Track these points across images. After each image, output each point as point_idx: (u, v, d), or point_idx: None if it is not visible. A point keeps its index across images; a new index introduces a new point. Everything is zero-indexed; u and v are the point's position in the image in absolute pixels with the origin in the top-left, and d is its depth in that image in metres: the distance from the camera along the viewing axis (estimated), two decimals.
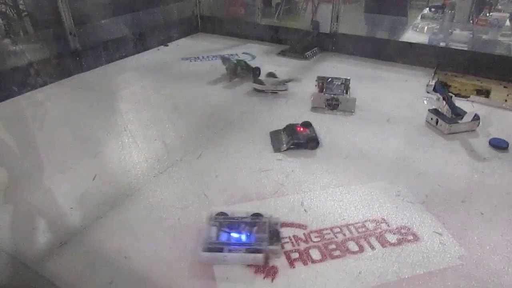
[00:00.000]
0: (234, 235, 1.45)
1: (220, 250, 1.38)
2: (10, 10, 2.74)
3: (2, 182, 1.84)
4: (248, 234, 1.45)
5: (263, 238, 1.43)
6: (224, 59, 3.18)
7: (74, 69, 3.13)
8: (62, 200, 1.72)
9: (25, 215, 1.63)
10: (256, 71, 3.03)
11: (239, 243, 1.42)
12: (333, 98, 2.50)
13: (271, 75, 2.95)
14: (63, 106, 2.66)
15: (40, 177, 1.89)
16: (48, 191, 1.77)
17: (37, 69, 2.83)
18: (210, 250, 1.38)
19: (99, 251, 1.43)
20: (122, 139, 2.20)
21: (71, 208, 1.66)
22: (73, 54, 3.10)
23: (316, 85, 2.69)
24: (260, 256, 1.37)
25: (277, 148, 2.10)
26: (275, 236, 1.46)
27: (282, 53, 3.72)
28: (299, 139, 2.10)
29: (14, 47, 2.70)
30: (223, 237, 1.44)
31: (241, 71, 3.05)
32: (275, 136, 2.21)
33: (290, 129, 2.19)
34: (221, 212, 1.56)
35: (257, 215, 1.54)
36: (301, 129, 2.19)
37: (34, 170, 1.95)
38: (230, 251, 1.39)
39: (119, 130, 2.30)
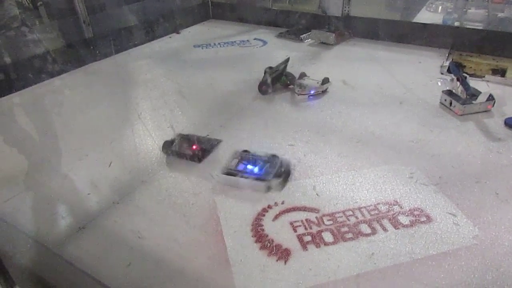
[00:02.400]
0: (249, 166, 1.75)
1: (235, 175, 1.70)
2: (26, 0, 2.79)
3: (22, 168, 1.90)
4: (261, 168, 1.74)
5: (270, 172, 1.71)
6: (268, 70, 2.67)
7: (88, 57, 3.17)
8: (80, 186, 1.77)
9: (45, 201, 1.69)
10: (289, 76, 2.66)
11: (251, 172, 1.72)
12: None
13: (303, 75, 2.67)
14: (79, 94, 2.71)
15: (58, 164, 1.94)
16: (67, 177, 1.82)
17: (52, 58, 2.88)
18: (227, 173, 1.72)
19: (116, 235, 1.48)
20: (137, 126, 2.24)
21: (89, 194, 1.71)
22: (87, 43, 3.14)
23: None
24: (262, 184, 1.66)
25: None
26: (283, 174, 1.74)
27: (281, 35, 3.75)
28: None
29: (30, 37, 2.75)
30: (240, 167, 1.75)
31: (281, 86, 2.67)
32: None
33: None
34: (245, 150, 1.87)
35: (273, 156, 1.81)
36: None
37: (52, 157, 2.00)
38: (242, 177, 1.69)
39: (133, 117, 2.33)
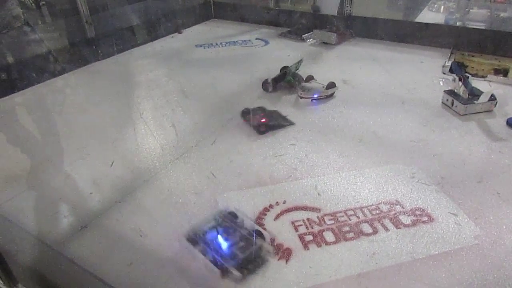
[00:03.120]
0: (219, 239, 1.40)
1: (195, 244, 1.38)
2: (29, 0, 2.80)
3: (25, 167, 1.91)
4: (231, 245, 1.37)
5: (237, 256, 1.33)
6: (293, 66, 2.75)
7: (91, 57, 3.18)
8: (82, 185, 1.78)
9: (48, 200, 1.69)
10: (296, 77, 2.65)
11: (215, 248, 1.36)
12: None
13: (310, 78, 2.64)
14: (81, 94, 2.72)
15: (60, 163, 1.95)
16: (69, 177, 1.83)
17: (55, 57, 2.89)
18: (188, 239, 1.40)
19: (118, 234, 1.48)
20: (138, 126, 2.24)
21: (91, 193, 1.72)
22: (89, 42, 3.15)
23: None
24: (216, 271, 1.29)
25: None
26: (250, 263, 1.33)
27: (283, 35, 3.76)
28: None
29: (32, 36, 2.76)
30: (210, 235, 1.41)
31: (287, 85, 2.65)
32: None
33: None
34: (232, 212, 1.52)
35: (259, 234, 1.42)
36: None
37: (55, 156, 2.01)
38: (201, 251, 1.36)
39: (135, 117, 2.34)
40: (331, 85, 2.50)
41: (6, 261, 1.35)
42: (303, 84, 2.57)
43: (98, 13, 3.20)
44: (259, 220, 1.53)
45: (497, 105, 2.24)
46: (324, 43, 3.49)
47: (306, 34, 3.62)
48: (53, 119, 2.40)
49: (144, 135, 2.16)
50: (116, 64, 3.23)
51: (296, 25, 3.91)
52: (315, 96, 2.48)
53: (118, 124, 2.29)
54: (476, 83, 2.37)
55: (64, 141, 2.14)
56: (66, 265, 1.35)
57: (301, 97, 2.49)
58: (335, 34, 3.42)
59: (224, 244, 1.38)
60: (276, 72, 2.71)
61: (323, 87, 2.50)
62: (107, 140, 2.11)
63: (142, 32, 3.63)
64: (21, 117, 2.45)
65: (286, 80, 2.62)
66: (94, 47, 3.18)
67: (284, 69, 2.68)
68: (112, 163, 1.91)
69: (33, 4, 2.81)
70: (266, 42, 3.62)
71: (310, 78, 2.63)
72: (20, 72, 2.72)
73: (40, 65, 2.84)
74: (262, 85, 2.60)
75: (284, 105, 2.42)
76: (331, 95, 2.51)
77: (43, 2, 2.86)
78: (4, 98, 2.63)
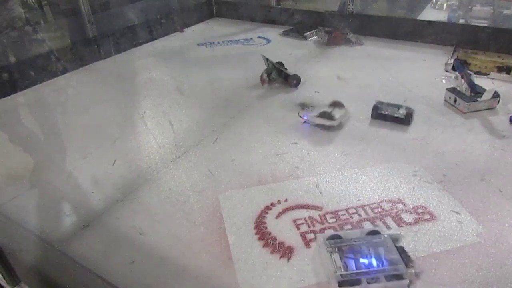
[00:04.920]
0: (363, 260, 1.24)
1: (358, 282, 1.19)
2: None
3: (27, 167, 1.91)
4: (376, 257, 1.25)
5: (396, 260, 1.23)
6: (266, 59, 2.72)
7: (92, 56, 3.19)
8: (84, 184, 1.78)
9: (50, 199, 1.70)
10: (293, 79, 2.61)
11: (374, 270, 1.21)
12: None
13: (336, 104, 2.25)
14: (83, 93, 2.73)
15: (62, 162, 1.96)
16: (71, 176, 1.84)
17: (56, 57, 2.90)
18: (346, 284, 1.19)
19: (120, 233, 1.49)
20: (140, 125, 2.25)
21: (93, 192, 1.72)
22: (91, 41, 3.16)
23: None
24: (405, 283, 1.19)
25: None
26: (405, 256, 1.25)
27: (284, 33, 3.75)
28: None
29: (34, 36, 2.76)
30: (352, 265, 1.24)
31: (275, 77, 2.65)
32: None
33: None
34: (334, 235, 1.36)
35: (374, 233, 1.35)
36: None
37: (57, 156, 2.02)
38: (368, 281, 1.19)
39: (137, 116, 2.34)
40: (337, 104, 2.19)
41: (9, 260, 1.35)
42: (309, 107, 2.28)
43: (99, 12, 3.20)
44: (260, 218, 1.53)
45: (500, 102, 2.23)
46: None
47: (308, 32, 3.62)
48: (55, 119, 2.41)
49: (145, 134, 2.16)
50: (118, 63, 3.23)
51: (299, 23, 3.89)
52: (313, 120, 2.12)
53: (120, 123, 2.30)
54: (479, 80, 2.36)
55: (66, 140, 2.15)
56: (68, 264, 1.35)
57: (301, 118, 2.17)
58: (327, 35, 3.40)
59: (373, 261, 1.24)
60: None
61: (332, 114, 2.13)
62: (109, 139, 2.12)
63: (144, 31, 3.63)
64: (23, 117, 2.46)
65: (272, 77, 2.63)
66: (95, 46, 3.18)
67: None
68: (114, 162, 1.91)
69: (35, 4, 2.81)
70: (268, 41, 3.61)
71: (335, 104, 2.22)
72: (21, 72, 2.73)
73: (42, 64, 2.85)
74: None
75: (284, 102, 2.42)
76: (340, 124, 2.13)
77: (45, 2, 2.87)
78: (6, 98, 2.63)
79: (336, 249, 1.29)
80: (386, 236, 1.33)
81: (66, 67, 2.97)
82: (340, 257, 1.26)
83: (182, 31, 3.99)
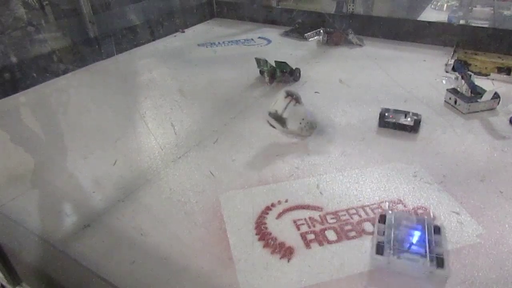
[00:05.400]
0: (414, 238, 1.34)
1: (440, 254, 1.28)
2: (32, 0, 2.81)
3: (28, 167, 1.92)
4: (411, 229, 1.37)
5: (417, 217, 1.42)
6: (259, 61, 2.73)
7: (94, 56, 3.19)
8: (85, 184, 1.79)
9: (51, 199, 1.70)
10: (296, 72, 2.70)
11: (424, 235, 1.33)
12: None
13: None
14: (84, 93, 2.73)
15: (63, 162, 1.96)
16: (72, 176, 1.84)
17: (58, 57, 2.91)
18: (438, 261, 1.26)
19: (121, 233, 1.49)
20: (141, 125, 2.25)
21: (94, 192, 1.72)
22: (92, 42, 3.16)
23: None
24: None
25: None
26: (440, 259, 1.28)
27: (285, 34, 3.75)
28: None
29: (36, 36, 2.77)
30: (420, 250, 1.31)
31: (280, 74, 2.67)
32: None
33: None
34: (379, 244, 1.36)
35: (383, 217, 1.43)
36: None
37: (58, 156, 2.02)
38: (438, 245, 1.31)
39: (138, 116, 2.35)
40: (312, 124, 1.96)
41: (10, 260, 1.36)
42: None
43: (101, 12, 3.21)
44: (261, 219, 1.53)
45: (500, 103, 2.23)
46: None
47: (308, 33, 3.62)
48: (56, 119, 2.41)
49: (146, 134, 2.16)
50: (119, 64, 3.24)
51: (300, 24, 3.89)
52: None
53: (121, 124, 2.30)
54: (479, 81, 2.36)
55: (67, 140, 2.16)
56: (69, 264, 1.35)
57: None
58: (326, 35, 3.42)
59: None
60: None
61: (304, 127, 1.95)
62: (109, 139, 2.12)
63: (145, 31, 3.63)
64: (24, 117, 2.46)
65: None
66: (97, 46, 3.19)
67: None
68: (115, 162, 1.91)
69: (36, 4, 2.82)
70: (269, 41, 3.62)
71: (291, 95, 1.95)
72: (23, 72, 2.73)
73: (43, 64, 2.85)
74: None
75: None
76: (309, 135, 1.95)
77: (47, 2, 2.87)
78: (7, 97, 2.64)
79: (396, 251, 1.31)
80: (389, 212, 1.45)
81: (67, 67, 2.98)
82: (409, 253, 1.30)
83: (183, 32, 4.00)
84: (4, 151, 2.09)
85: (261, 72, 2.75)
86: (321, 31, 3.55)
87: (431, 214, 1.45)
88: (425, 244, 1.31)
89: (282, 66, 2.66)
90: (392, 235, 1.36)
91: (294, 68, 2.69)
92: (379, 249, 1.32)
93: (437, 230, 1.37)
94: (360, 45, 3.36)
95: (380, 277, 1.28)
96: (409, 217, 1.43)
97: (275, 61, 2.69)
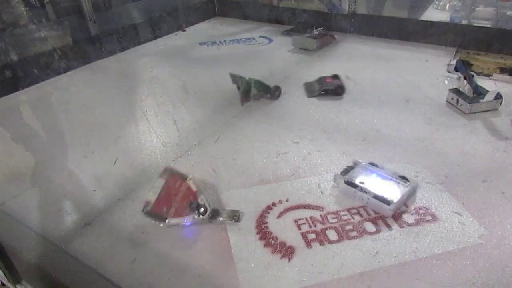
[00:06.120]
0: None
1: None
2: None
3: (29, 165, 1.92)
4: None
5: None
6: (234, 77, 2.51)
7: (94, 55, 3.19)
8: (85, 183, 1.78)
9: (52, 197, 1.70)
10: (275, 91, 2.47)
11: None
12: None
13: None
14: (85, 92, 2.73)
15: (64, 160, 1.96)
16: (73, 174, 1.84)
17: (59, 55, 2.90)
18: (347, 183, 1.61)
19: (122, 231, 1.49)
20: (142, 124, 2.25)
21: (94, 190, 1.72)
22: (93, 40, 3.16)
23: None
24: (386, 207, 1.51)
25: (310, 94, 2.47)
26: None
27: (286, 33, 3.73)
28: (328, 86, 2.45)
29: (37, 34, 2.77)
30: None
31: (257, 93, 2.44)
32: (308, 86, 2.56)
33: (321, 80, 2.53)
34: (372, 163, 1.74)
35: (403, 178, 1.65)
36: (330, 80, 2.53)
37: (59, 154, 2.02)
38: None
39: (139, 115, 2.34)
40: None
41: (10, 258, 1.36)
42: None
43: (101, 11, 3.21)
44: (262, 218, 1.53)
45: (502, 103, 2.22)
46: (303, 49, 3.25)
47: (309, 32, 3.61)
48: (57, 117, 2.41)
49: (147, 132, 2.16)
50: (120, 62, 3.23)
51: (301, 23, 3.88)
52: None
53: (122, 122, 2.30)
54: (481, 81, 2.36)
55: (68, 138, 2.15)
56: (69, 262, 1.35)
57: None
58: (315, 40, 3.23)
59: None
60: (278, 70, 2.70)
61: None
62: (110, 138, 2.12)
63: (146, 30, 3.63)
64: (25, 115, 2.46)
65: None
66: (98, 44, 3.19)
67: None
68: (116, 160, 1.91)
69: (37, 2, 2.82)
70: (270, 40, 3.61)
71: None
72: (24, 70, 2.73)
73: (44, 63, 2.85)
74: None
75: (286, 102, 2.42)
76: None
77: (48, 0, 2.87)
78: (8, 95, 2.64)
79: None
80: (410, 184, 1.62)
81: (68, 65, 2.98)
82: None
83: (184, 30, 3.99)
84: (5, 149, 2.09)
85: (238, 88, 2.49)
86: (310, 36, 3.34)
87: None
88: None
89: (258, 84, 2.41)
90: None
91: (272, 86, 2.46)
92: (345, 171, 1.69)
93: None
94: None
95: (380, 277, 1.27)
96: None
97: (252, 79, 2.41)
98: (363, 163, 1.73)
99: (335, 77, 2.56)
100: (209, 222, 1.49)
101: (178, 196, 1.54)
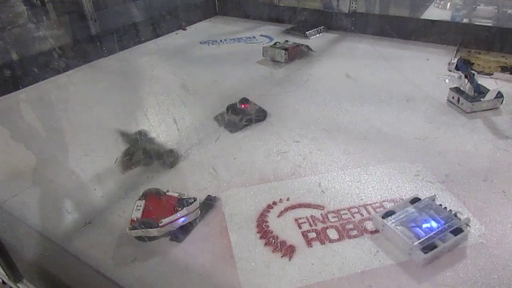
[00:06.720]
0: (426, 225, 1.37)
1: (434, 245, 1.32)
2: None
3: (30, 164, 1.92)
4: (433, 219, 1.39)
5: (448, 216, 1.40)
6: (124, 135, 2.02)
7: (95, 54, 3.19)
8: (86, 182, 1.78)
9: (52, 196, 1.70)
10: (167, 156, 1.87)
11: (439, 230, 1.34)
12: None
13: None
14: (86, 91, 2.73)
15: (65, 159, 1.96)
16: (73, 173, 1.84)
17: (59, 54, 2.90)
18: (428, 248, 1.30)
19: (122, 230, 1.48)
20: (142, 123, 2.24)
21: (95, 189, 1.72)
22: (94, 39, 3.16)
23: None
24: (466, 233, 1.37)
25: (234, 129, 2.12)
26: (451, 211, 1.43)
27: (287, 31, 3.73)
28: (250, 115, 2.17)
29: (37, 33, 2.77)
30: (420, 232, 1.35)
31: (142, 158, 1.86)
32: (227, 121, 2.17)
33: (234, 109, 2.21)
34: (388, 212, 1.45)
35: (416, 200, 1.50)
36: (245, 105, 2.23)
37: (59, 152, 2.02)
38: (442, 241, 1.32)
39: (139, 114, 2.34)
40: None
41: (11, 257, 1.36)
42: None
43: (102, 9, 3.20)
44: (262, 217, 1.53)
45: (503, 102, 2.22)
46: (274, 61, 3.01)
47: (310, 31, 3.61)
48: (58, 116, 2.41)
49: (148, 131, 2.16)
50: (120, 61, 3.23)
51: (301, 22, 3.88)
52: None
53: (122, 121, 2.30)
54: (482, 80, 2.35)
55: (69, 137, 2.15)
56: (70, 261, 1.36)
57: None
58: (285, 52, 2.95)
59: (433, 223, 1.38)
60: (277, 70, 2.70)
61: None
62: (111, 136, 2.12)
63: (146, 28, 3.63)
64: (25, 114, 2.46)
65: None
66: (98, 43, 3.19)
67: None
68: (116, 159, 1.91)
69: (38, 1, 2.82)
70: (271, 39, 3.60)
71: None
72: (24, 69, 2.73)
73: (45, 62, 2.85)
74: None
75: (286, 101, 2.42)
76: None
77: None
78: (8, 94, 2.64)
79: (399, 222, 1.39)
80: (427, 199, 1.49)
81: (68, 64, 2.98)
82: (407, 229, 1.37)
83: (185, 29, 3.99)
84: (6, 148, 2.09)
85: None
86: (279, 48, 3.04)
87: (466, 218, 1.41)
88: (430, 233, 1.34)
89: (147, 145, 1.93)
90: (409, 212, 1.43)
91: (166, 150, 1.93)
92: (387, 213, 1.43)
93: (458, 231, 1.36)
94: (313, 51, 3.16)
95: (381, 276, 1.27)
96: (441, 211, 1.44)
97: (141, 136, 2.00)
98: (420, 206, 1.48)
99: (246, 101, 2.23)
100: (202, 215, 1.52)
101: (162, 206, 1.53)
